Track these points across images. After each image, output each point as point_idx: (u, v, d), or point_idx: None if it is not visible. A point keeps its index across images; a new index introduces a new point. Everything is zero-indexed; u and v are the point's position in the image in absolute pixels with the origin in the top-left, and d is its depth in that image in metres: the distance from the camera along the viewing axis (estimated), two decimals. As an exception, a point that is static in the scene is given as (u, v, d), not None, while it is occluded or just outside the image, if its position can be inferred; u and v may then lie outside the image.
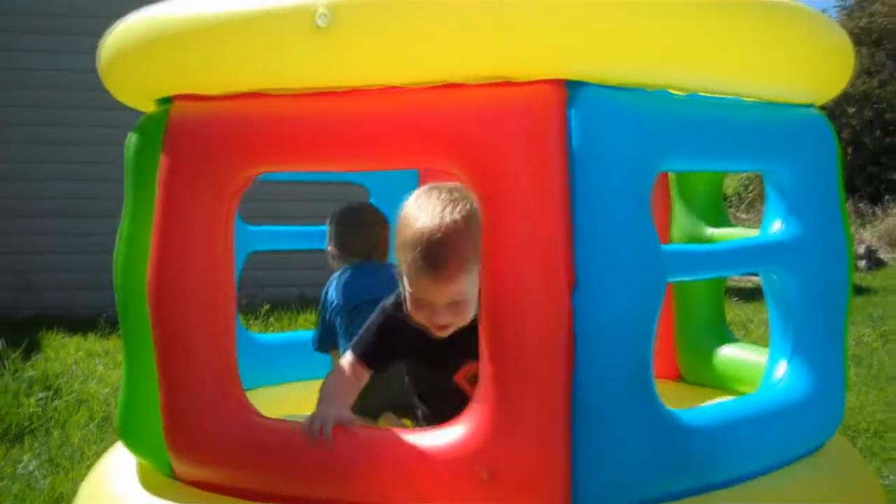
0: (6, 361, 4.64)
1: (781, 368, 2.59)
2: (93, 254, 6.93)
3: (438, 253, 2.11)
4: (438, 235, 2.11)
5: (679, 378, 3.41)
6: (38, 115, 7.44)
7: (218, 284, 2.34)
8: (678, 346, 3.39)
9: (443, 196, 2.19)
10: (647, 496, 2.17)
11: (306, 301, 6.69)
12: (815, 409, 2.56)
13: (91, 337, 5.90)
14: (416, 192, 2.23)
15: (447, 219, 2.13)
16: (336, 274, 3.29)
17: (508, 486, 2.08)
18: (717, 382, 3.21)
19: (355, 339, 2.37)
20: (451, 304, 2.18)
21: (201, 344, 2.33)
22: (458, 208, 2.15)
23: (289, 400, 3.26)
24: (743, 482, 2.32)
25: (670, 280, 2.25)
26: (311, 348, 3.33)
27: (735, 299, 8.04)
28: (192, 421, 2.33)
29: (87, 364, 5.28)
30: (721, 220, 3.39)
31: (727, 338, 3.34)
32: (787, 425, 2.50)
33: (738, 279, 8.97)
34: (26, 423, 4.20)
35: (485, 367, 2.11)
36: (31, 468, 3.67)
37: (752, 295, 8.18)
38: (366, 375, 2.31)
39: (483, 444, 2.08)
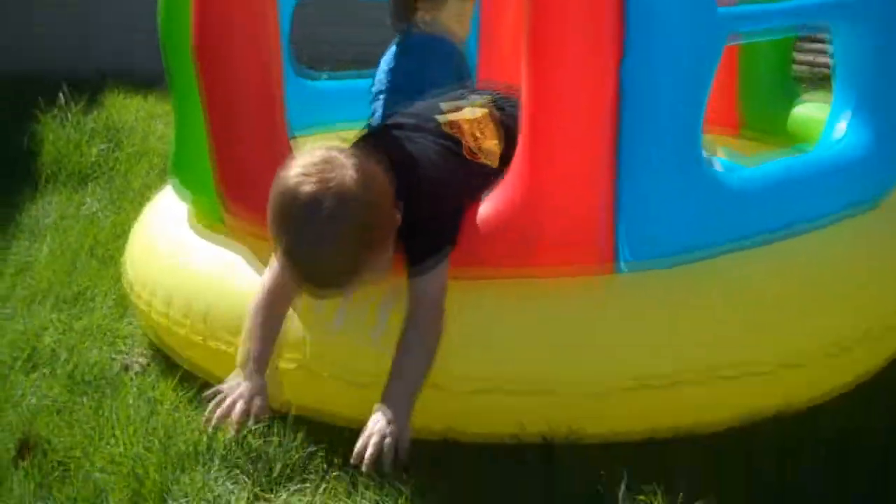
0: (68, 114, 4.69)
1: (842, 125, 2.53)
2: (151, 20, 6.84)
3: (313, 284, 2.01)
4: (309, 268, 1.97)
5: (740, 133, 3.35)
6: None
7: (261, 37, 2.34)
8: (741, 99, 3.31)
9: (308, 195, 1.91)
10: (692, 251, 2.18)
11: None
12: (875, 164, 2.52)
13: (151, 99, 5.93)
14: (285, 181, 1.96)
15: (313, 243, 1.92)
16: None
17: (553, 244, 2.10)
18: (781, 137, 3.15)
19: None
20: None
21: (247, 98, 2.36)
22: (328, 220, 1.91)
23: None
24: (798, 236, 2.32)
25: (730, 43, 2.18)
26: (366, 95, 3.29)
27: (804, 86, 7.81)
28: (240, 172, 2.38)
29: (147, 123, 5.33)
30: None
31: (792, 91, 3.25)
32: (846, 180, 2.47)
33: (808, 67, 8.70)
34: (89, 171, 4.28)
35: (526, 128, 2.08)
36: (94, 209, 3.77)
37: (822, 83, 7.94)
38: None
39: (526, 205, 2.08)
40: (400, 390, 1.97)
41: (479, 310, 2.08)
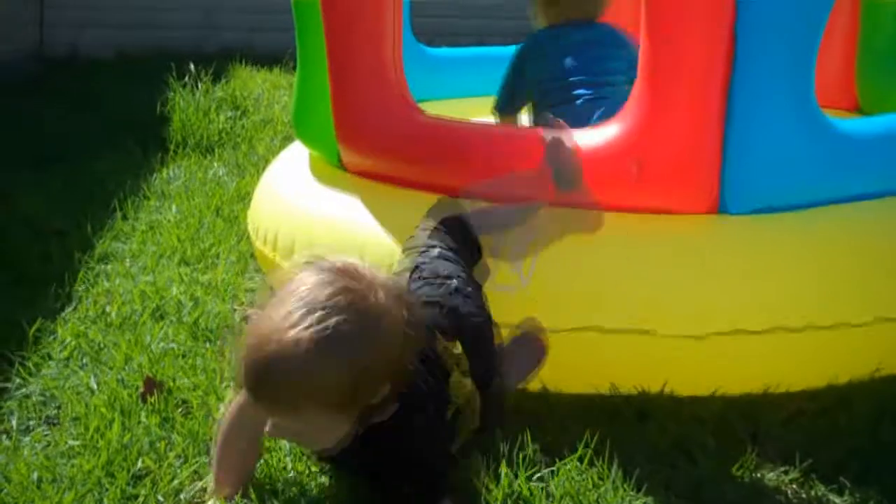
0: (198, 83, 4.89)
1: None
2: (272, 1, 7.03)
3: (260, 377, 1.56)
4: (266, 356, 1.54)
5: (857, 109, 3.31)
6: None
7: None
8: (859, 76, 3.27)
9: (309, 295, 1.55)
10: (797, 200, 2.20)
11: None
12: None
13: (276, 71, 6.11)
14: (296, 278, 1.60)
15: (291, 336, 1.52)
16: (543, 29, 2.88)
17: (658, 180, 2.14)
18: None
19: None
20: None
21: (368, 49, 2.48)
22: (315, 323, 1.52)
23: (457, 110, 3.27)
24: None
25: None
26: (480, 65, 3.37)
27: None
28: (358, 116, 2.50)
29: (272, 94, 5.51)
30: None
31: (914, 69, 3.20)
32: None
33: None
34: (216, 138, 4.47)
35: (643, 61, 2.12)
36: (220, 173, 3.95)
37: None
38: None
39: (635, 139, 2.13)
40: None
41: (579, 242, 2.10)
